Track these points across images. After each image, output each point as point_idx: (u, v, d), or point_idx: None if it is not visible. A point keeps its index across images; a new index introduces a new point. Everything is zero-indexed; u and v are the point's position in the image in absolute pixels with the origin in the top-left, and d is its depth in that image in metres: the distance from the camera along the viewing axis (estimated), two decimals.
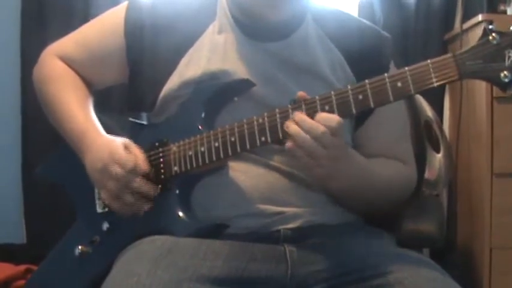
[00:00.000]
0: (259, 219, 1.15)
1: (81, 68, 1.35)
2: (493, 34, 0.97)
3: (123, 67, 1.30)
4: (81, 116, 1.27)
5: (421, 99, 1.89)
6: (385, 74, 1.03)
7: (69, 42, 1.38)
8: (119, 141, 1.19)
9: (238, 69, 1.21)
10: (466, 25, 2.01)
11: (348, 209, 1.21)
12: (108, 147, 1.18)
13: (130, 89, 1.32)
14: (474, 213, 1.96)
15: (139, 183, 1.15)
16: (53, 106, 1.32)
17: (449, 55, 1.00)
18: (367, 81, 1.04)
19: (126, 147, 1.17)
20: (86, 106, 1.30)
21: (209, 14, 1.27)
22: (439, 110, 2.13)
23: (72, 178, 1.31)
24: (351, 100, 1.04)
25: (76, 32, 1.38)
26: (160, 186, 1.18)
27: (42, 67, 1.38)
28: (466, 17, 2.06)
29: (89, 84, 1.36)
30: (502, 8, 2.02)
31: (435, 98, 2.12)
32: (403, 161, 1.29)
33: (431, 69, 1.00)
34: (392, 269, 1.04)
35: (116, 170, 1.15)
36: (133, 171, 1.15)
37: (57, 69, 1.36)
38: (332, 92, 1.06)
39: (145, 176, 1.16)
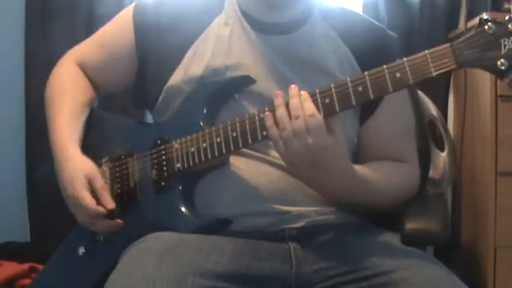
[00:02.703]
0: (263, 219, 1.15)
1: (94, 71, 1.38)
2: (489, 24, 0.99)
3: (133, 66, 1.32)
4: (63, 129, 1.28)
5: (425, 98, 1.89)
6: (384, 66, 1.04)
7: (86, 45, 1.42)
8: (82, 173, 1.20)
9: (242, 63, 1.22)
10: (470, 24, 2.01)
11: (345, 210, 1.21)
12: (72, 180, 1.20)
13: (136, 85, 1.33)
14: (478, 212, 1.96)
15: (100, 226, 1.21)
16: (47, 111, 1.34)
17: (446, 45, 1.01)
18: (366, 72, 1.05)
19: (89, 182, 1.20)
20: (75, 119, 1.30)
21: (216, 8, 1.28)
22: (443, 109, 2.13)
23: None
24: (351, 92, 1.04)
25: (93, 35, 1.42)
26: (122, 219, 1.21)
27: (55, 70, 1.40)
28: (470, 15, 2.05)
29: (98, 89, 1.38)
30: (506, 6, 2.02)
31: (439, 96, 2.13)
32: (405, 160, 1.28)
33: (429, 59, 1.01)
34: (398, 267, 1.04)
35: (79, 214, 1.21)
36: (93, 215, 1.19)
37: (65, 73, 1.38)
38: (332, 85, 1.06)
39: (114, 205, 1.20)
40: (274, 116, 1.07)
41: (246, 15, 1.26)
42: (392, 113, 1.25)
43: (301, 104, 1.05)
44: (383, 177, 1.21)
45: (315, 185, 1.14)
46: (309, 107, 1.05)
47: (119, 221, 1.20)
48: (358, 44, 1.27)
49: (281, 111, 1.06)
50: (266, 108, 1.10)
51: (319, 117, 1.04)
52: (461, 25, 2.11)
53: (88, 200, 1.18)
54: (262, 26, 1.25)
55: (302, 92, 1.06)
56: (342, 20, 1.30)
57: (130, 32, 1.31)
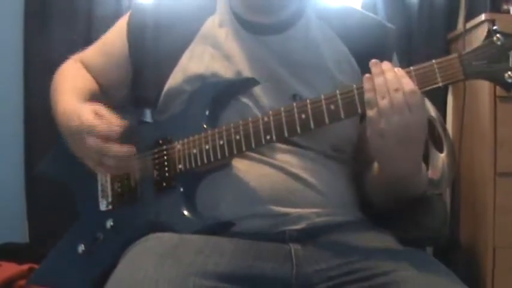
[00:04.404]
0: (264, 220, 1.15)
1: (96, 73, 1.39)
2: (498, 35, 0.98)
3: (130, 69, 1.33)
4: (67, 92, 1.28)
5: (424, 99, 1.89)
6: None
7: (89, 51, 1.43)
8: (88, 107, 1.17)
9: (240, 65, 1.22)
10: (469, 24, 2.01)
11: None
12: (77, 114, 1.17)
13: (133, 86, 1.34)
14: (477, 213, 1.96)
15: (115, 148, 1.13)
16: (52, 97, 1.33)
17: (454, 55, 1.00)
18: None
19: (96, 113, 1.16)
20: (77, 90, 1.30)
21: (208, 8, 1.29)
22: (442, 109, 2.13)
23: (73, 176, 1.31)
24: (357, 99, 1.04)
25: (96, 42, 1.43)
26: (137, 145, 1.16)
27: (58, 71, 1.41)
28: (469, 16, 2.05)
29: (105, 92, 1.38)
30: (505, 7, 2.02)
31: (438, 97, 2.12)
32: None
33: (436, 69, 1.00)
34: (397, 267, 1.04)
35: (89, 139, 1.14)
36: (106, 137, 1.13)
37: (69, 68, 1.39)
38: (337, 91, 1.06)
39: (124, 137, 1.14)
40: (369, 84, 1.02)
41: (238, 17, 1.27)
42: None
43: (398, 79, 1.01)
44: None
45: (389, 162, 1.08)
46: (408, 82, 1.00)
47: (131, 147, 1.15)
48: (355, 41, 1.27)
49: (380, 80, 1.01)
50: (270, 112, 1.09)
51: (419, 93, 1.00)
52: (460, 26, 2.11)
53: (98, 122, 1.13)
54: (254, 27, 1.25)
55: (396, 69, 1.02)
56: (340, 19, 1.30)
57: (124, 39, 1.33)
